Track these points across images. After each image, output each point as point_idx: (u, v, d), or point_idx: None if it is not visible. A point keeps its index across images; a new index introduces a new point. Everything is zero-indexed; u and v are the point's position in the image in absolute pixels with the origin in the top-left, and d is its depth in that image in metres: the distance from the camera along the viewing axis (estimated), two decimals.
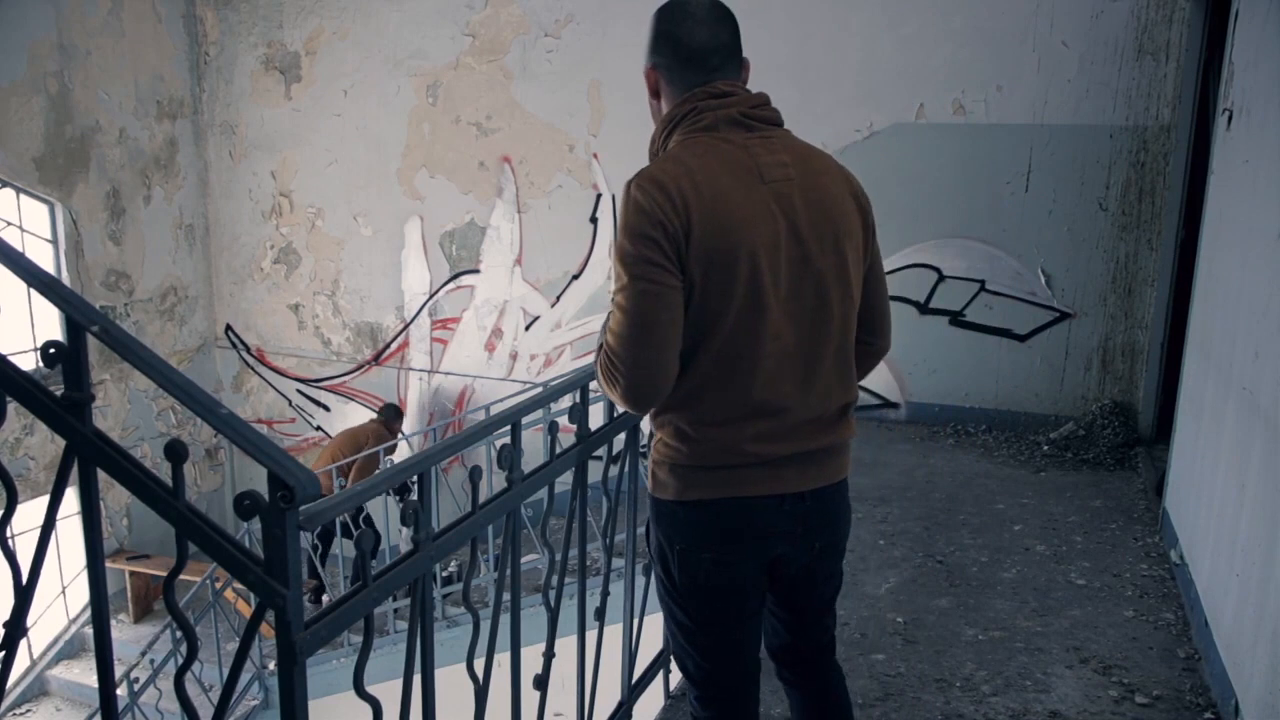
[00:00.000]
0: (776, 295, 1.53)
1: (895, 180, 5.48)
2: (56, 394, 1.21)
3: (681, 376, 1.55)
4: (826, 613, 1.85)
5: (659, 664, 2.63)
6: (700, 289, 1.50)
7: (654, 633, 2.59)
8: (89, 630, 6.47)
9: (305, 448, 7.55)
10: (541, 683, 1.98)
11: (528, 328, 6.75)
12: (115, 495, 6.65)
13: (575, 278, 6.55)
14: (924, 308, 5.58)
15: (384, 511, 5.07)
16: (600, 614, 2.25)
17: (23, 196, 6.33)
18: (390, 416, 6.68)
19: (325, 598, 6.12)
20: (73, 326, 1.19)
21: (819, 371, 1.59)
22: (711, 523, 1.61)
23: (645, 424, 2.34)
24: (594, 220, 6.41)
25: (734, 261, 1.49)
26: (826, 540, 1.71)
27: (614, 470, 2.29)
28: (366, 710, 1.38)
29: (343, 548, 5.79)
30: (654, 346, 1.50)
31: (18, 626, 1.25)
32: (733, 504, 1.60)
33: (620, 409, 1.57)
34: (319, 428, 7.53)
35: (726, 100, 1.57)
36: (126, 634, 6.56)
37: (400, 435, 6.62)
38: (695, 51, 1.59)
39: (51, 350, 1.19)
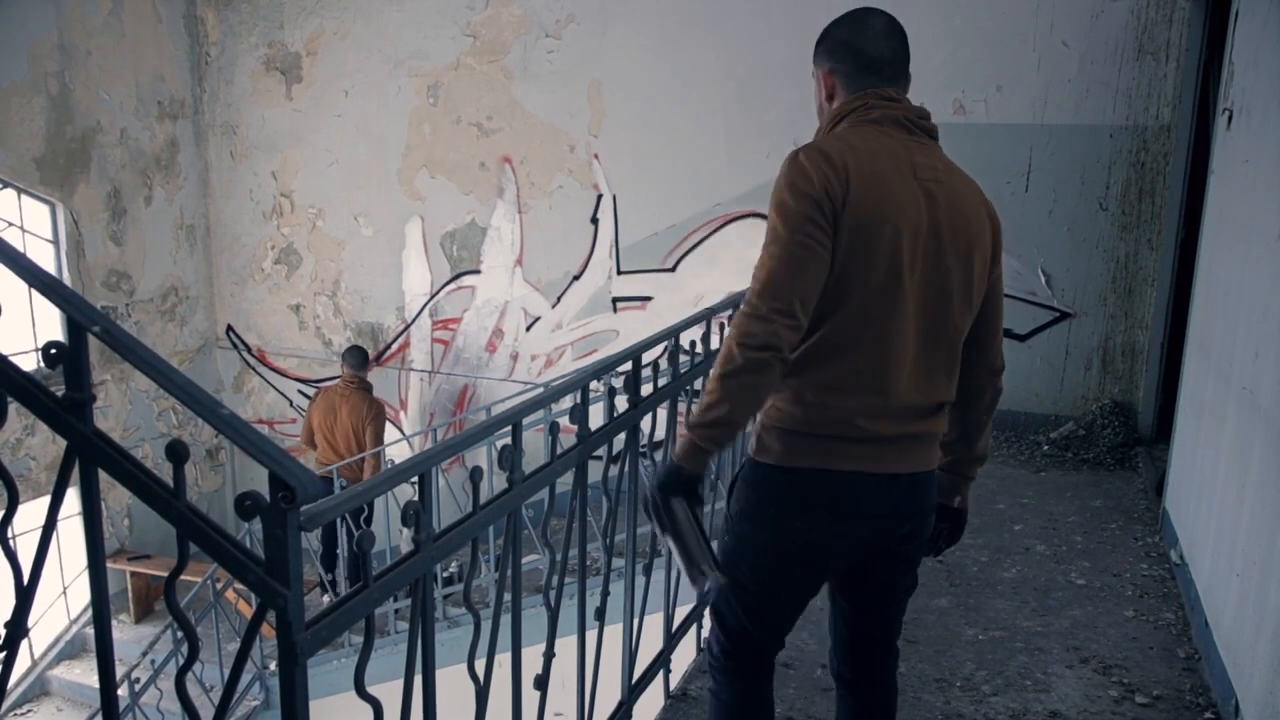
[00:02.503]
0: (911, 277, 1.61)
1: None
2: (57, 394, 1.21)
3: (809, 339, 1.61)
4: (897, 610, 1.89)
5: (659, 664, 2.63)
6: (846, 253, 1.57)
7: (654, 633, 2.60)
8: (90, 630, 6.47)
9: (306, 448, 7.54)
10: (542, 683, 1.98)
11: (528, 328, 6.75)
12: (116, 495, 6.66)
13: (576, 278, 6.55)
14: None
15: (384, 511, 5.07)
16: (600, 614, 2.25)
17: (23, 197, 6.33)
18: (357, 364, 6.16)
19: (326, 598, 6.12)
20: (74, 327, 1.19)
21: (930, 363, 1.67)
22: (811, 493, 1.66)
23: (645, 425, 2.36)
24: (595, 220, 6.41)
25: (880, 235, 1.58)
26: (915, 525, 1.76)
27: (614, 470, 2.29)
28: (367, 710, 1.38)
29: (344, 548, 5.79)
30: (797, 295, 1.55)
31: (19, 627, 1.26)
32: (835, 477, 1.65)
33: (747, 357, 1.53)
34: None
35: (894, 104, 1.69)
36: (127, 634, 6.56)
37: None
38: (874, 61, 1.70)
39: (52, 350, 1.19)
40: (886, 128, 1.67)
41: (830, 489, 1.65)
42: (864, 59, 1.70)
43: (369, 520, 5.04)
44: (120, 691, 4.52)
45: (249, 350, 7.67)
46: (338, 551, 5.89)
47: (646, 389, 2.31)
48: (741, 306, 1.60)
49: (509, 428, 1.80)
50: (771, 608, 1.78)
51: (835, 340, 1.61)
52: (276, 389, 7.63)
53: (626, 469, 2.30)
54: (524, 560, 2.31)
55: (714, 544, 1.69)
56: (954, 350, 1.71)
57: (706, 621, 2.97)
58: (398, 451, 6.66)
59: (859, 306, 1.59)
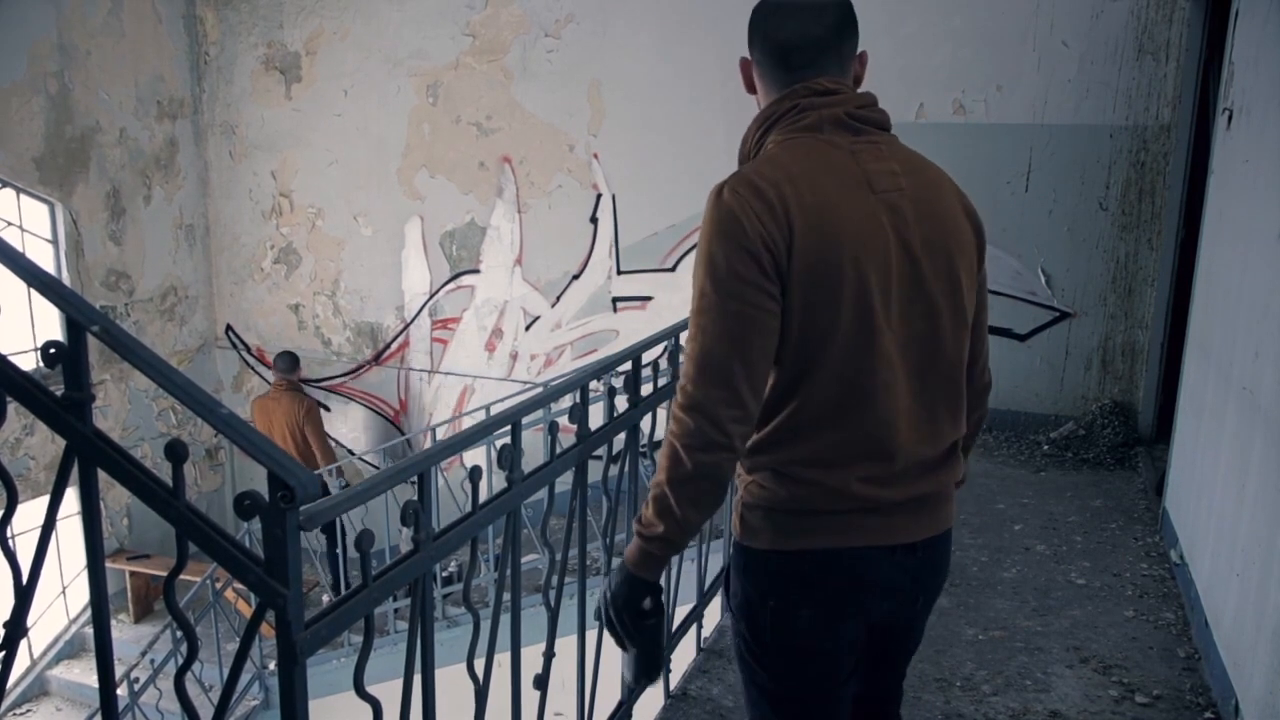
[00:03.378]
0: (887, 319, 1.36)
1: None
2: (57, 394, 1.21)
3: (781, 412, 1.39)
4: (904, 667, 1.72)
5: None
6: (802, 311, 1.33)
7: None
8: (89, 630, 6.46)
9: None
10: (541, 683, 1.98)
11: (528, 328, 6.75)
12: (115, 495, 6.65)
13: (575, 278, 6.55)
14: None
15: (385, 510, 5.06)
16: (600, 614, 2.25)
17: (23, 196, 6.32)
18: (285, 368, 6.35)
19: (326, 598, 6.12)
20: (73, 326, 1.19)
21: (930, 405, 1.42)
22: (812, 576, 1.43)
23: (645, 424, 2.36)
24: (594, 220, 6.41)
25: (840, 279, 1.32)
26: (931, 595, 1.56)
27: (614, 470, 2.29)
28: (366, 710, 1.38)
29: (344, 547, 5.79)
30: (741, 377, 1.31)
31: (18, 626, 1.25)
32: (838, 555, 1.42)
33: (701, 460, 1.33)
34: None
35: (831, 99, 1.42)
36: (127, 634, 6.55)
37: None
38: (787, 45, 1.43)
39: (51, 350, 1.19)
40: (826, 134, 1.40)
41: (833, 570, 1.42)
42: (774, 43, 1.44)
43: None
44: (119, 691, 4.52)
45: (248, 350, 7.67)
46: (336, 551, 5.89)
47: (646, 389, 2.31)
48: (677, 393, 1.36)
49: (508, 427, 1.80)
50: (808, 711, 1.53)
51: (813, 407, 1.37)
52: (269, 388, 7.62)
53: (626, 469, 2.30)
54: (523, 560, 2.31)
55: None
56: (955, 380, 1.46)
57: (707, 621, 2.97)
58: (397, 451, 6.66)
59: (832, 368, 1.35)
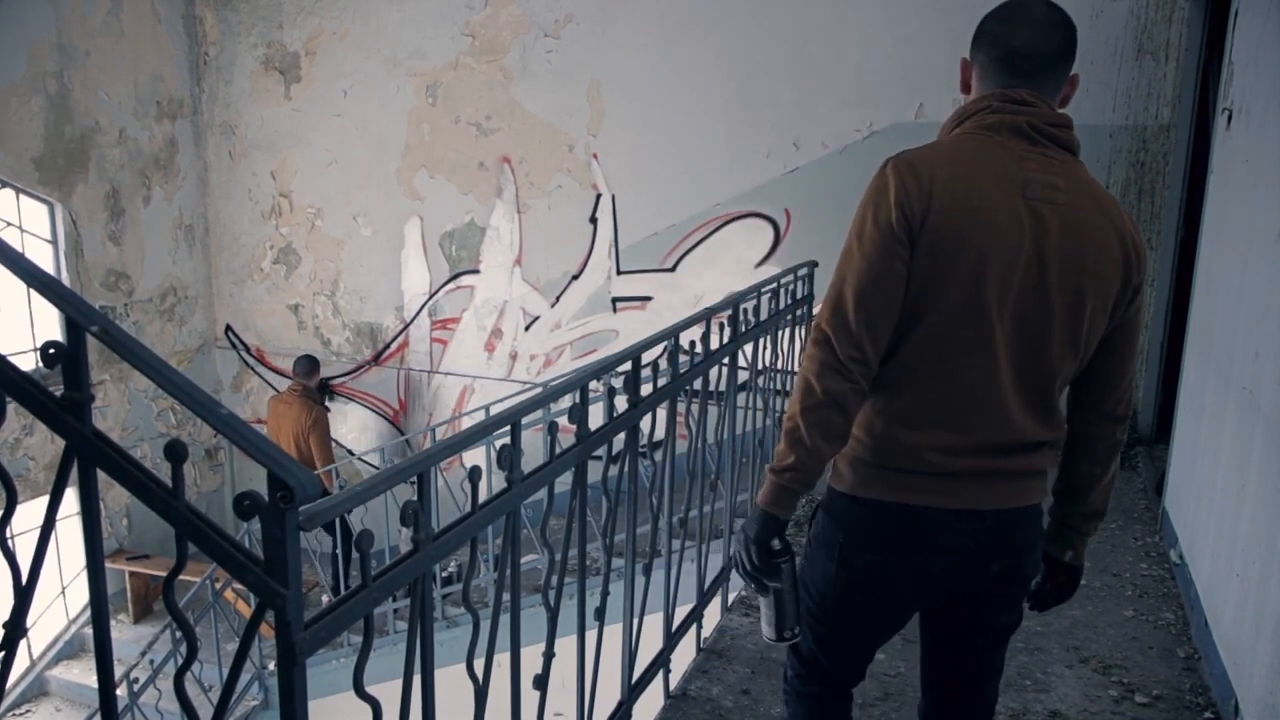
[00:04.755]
0: (1000, 309, 1.46)
1: None
2: (56, 394, 1.21)
3: (885, 365, 1.51)
4: (992, 651, 1.72)
5: (659, 664, 2.63)
6: (922, 275, 1.45)
7: (654, 632, 2.59)
8: (89, 630, 6.47)
9: None
10: (541, 683, 1.98)
11: (527, 328, 6.75)
12: (115, 495, 6.65)
13: (575, 278, 6.55)
14: None
15: (384, 511, 5.06)
16: (600, 614, 2.25)
17: (22, 196, 6.32)
18: (303, 372, 6.36)
19: (326, 598, 6.12)
20: (72, 326, 1.19)
21: (1020, 401, 1.51)
22: (877, 525, 1.57)
23: (644, 425, 2.35)
24: (594, 220, 6.41)
25: (961, 258, 1.44)
26: (1008, 564, 1.60)
27: (614, 470, 2.29)
28: (366, 710, 1.38)
29: (343, 547, 5.79)
30: (865, 325, 1.46)
31: (17, 627, 1.25)
32: (904, 510, 1.54)
33: (828, 387, 1.47)
34: None
35: (1021, 109, 1.49)
36: (126, 634, 6.55)
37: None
38: (1012, 54, 1.50)
39: (51, 350, 1.19)
40: (1003, 136, 1.48)
41: (898, 522, 1.55)
42: (1001, 51, 1.51)
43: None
44: (119, 691, 4.51)
45: (248, 350, 7.67)
46: (336, 552, 5.89)
47: (646, 389, 2.31)
48: (813, 332, 1.52)
49: (508, 427, 1.80)
50: (840, 638, 1.70)
51: (907, 365, 1.50)
52: (275, 389, 7.61)
53: (626, 469, 2.30)
54: (523, 560, 2.31)
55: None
56: (1049, 392, 1.52)
57: (707, 622, 2.97)
58: (396, 451, 6.66)
59: (931, 333, 1.47)
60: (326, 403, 6.92)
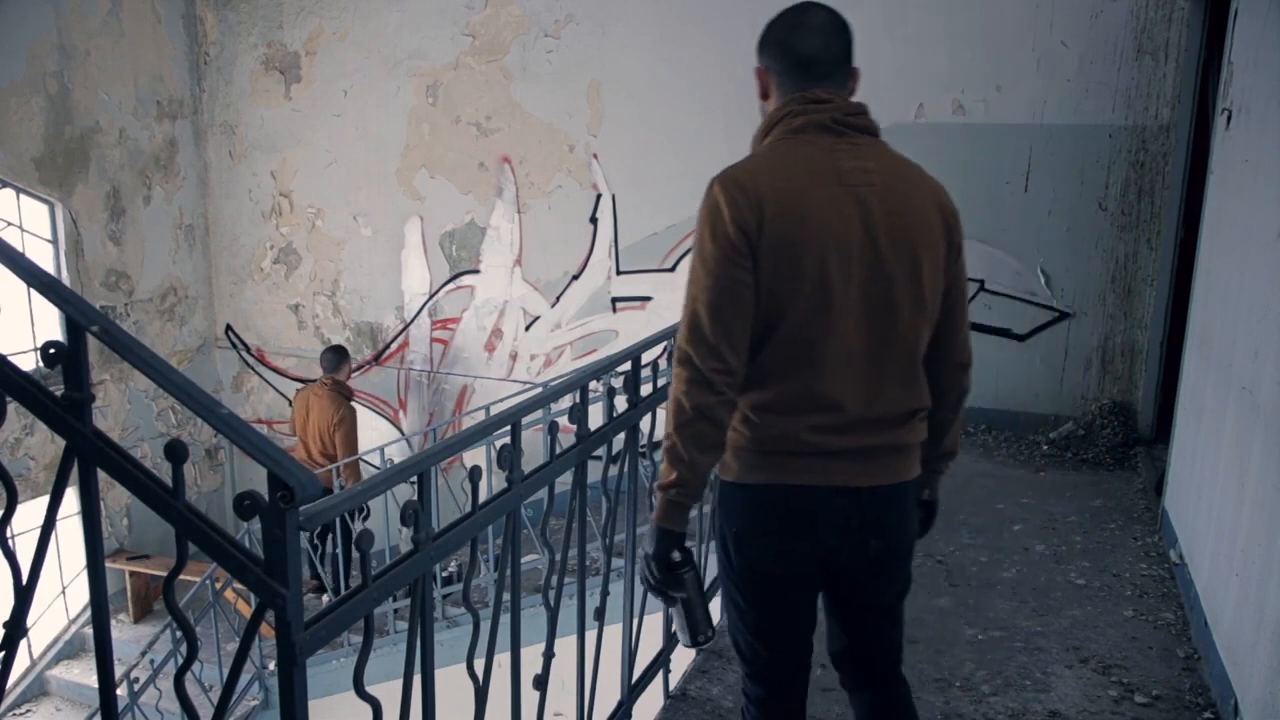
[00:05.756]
0: (845, 294, 1.57)
1: None
2: (56, 394, 1.21)
3: (750, 363, 1.60)
4: (887, 620, 1.82)
5: (659, 664, 2.63)
6: (769, 280, 1.56)
7: (654, 632, 2.60)
8: (89, 630, 6.46)
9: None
10: (541, 683, 1.98)
11: (528, 328, 6.75)
12: (115, 495, 6.65)
13: (575, 278, 6.55)
14: None
15: (384, 510, 5.06)
16: (600, 614, 2.25)
17: (23, 196, 6.32)
18: (329, 366, 6.26)
19: (326, 597, 6.12)
20: (73, 326, 1.19)
21: (883, 374, 1.62)
22: (766, 507, 1.66)
23: (644, 424, 2.35)
24: (594, 220, 6.41)
25: (802, 256, 1.55)
26: (887, 542, 1.70)
27: (614, 470, 2.29)
28: (366, 710, 1.38)
29: (342, 546, 5.78)
30: (723, 339, 1.55)
31: (18, 626, 1.25)
32: (786, 491, 1.64)
33: (695, 403, 1.57)
34: None
35: (822, 106, 1.63)
36: (126, 634, 6.55)
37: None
38: (805, 59, 1.65)
39: (51, 350, 1.19)
40: (811, 135, 1.62)
41: (782, 503, 1.64)
42: (794, 56, 1.66)
43: (365, 518, 5.04)
44: (119, 691, 4.51)
45: (248, 350, 7.67)
46: (336, 552, 5.89)
47: (646, 389, 2.31)
48: (675, 351, 1.62)
49: (508, 427, 1.80)
50: (770, 628, 1.76)
51: (770, 365, 1.60)
52: (275, 389, 7.62)
53: (626, 469, 2.30)
54: (523, 560, 2.31)
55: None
56: (912, 355, 1.65)
57: None
58: (397, 451, 6.65)
59: (791, 331, 1.58)
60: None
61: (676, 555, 1.68)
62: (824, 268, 1.55)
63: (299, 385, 7.07)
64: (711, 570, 2.35)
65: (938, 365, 1.71)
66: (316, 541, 5.91)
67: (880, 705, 1.85)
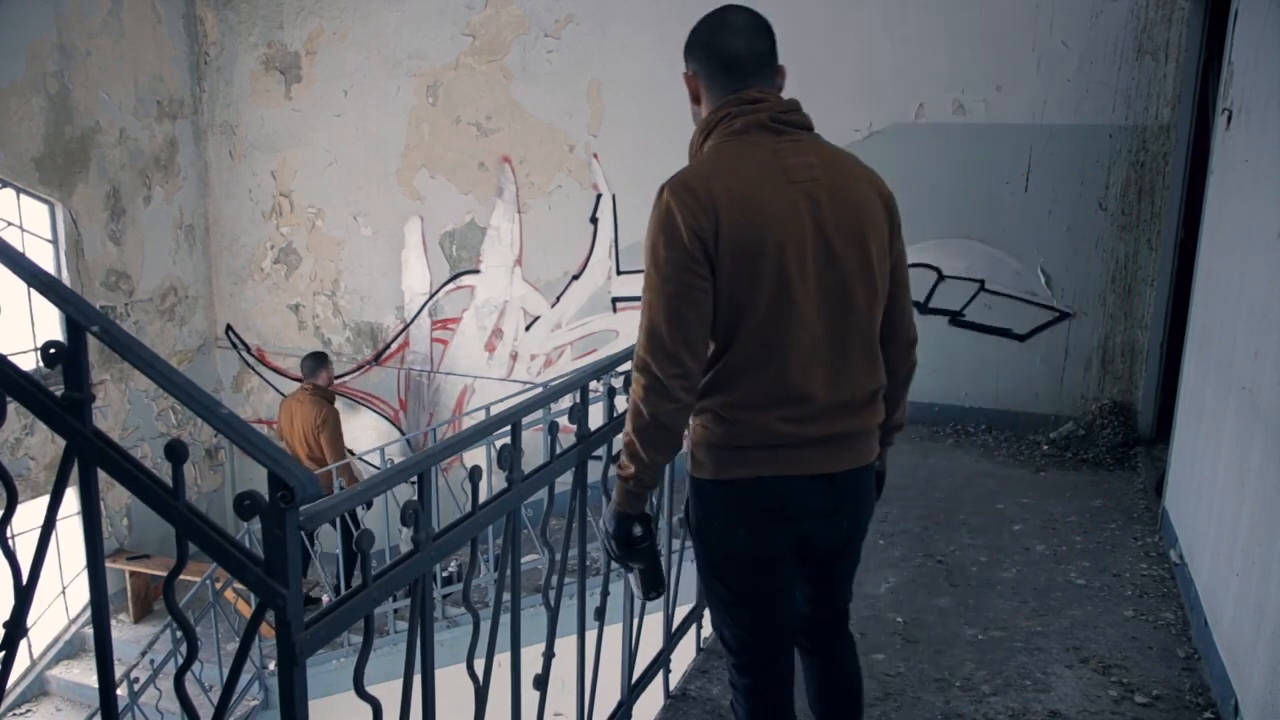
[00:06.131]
0: (804, 288, 1.62)
1: (895, 180, 5.36)
2: (56, 394, 1.21)
3: (716, 364, 1.66)
4: (846, 586, 1.96)
5: (659, 664, 2.63)
6: (730, 282, 1.60)
7: (654, 633, 2.60)
8: (89, 630, 6.46)
9: None
10: (541, 683, 1.98)
11: (528, 328, 6.75)
12: (115, 495, 6.65)
13: (575, 278, 6.55)
14: (924, 308, 5.57)
15: (384, 511, 5.06)
16: (600, 614, 2.25)
17: (23, 196, 6.32)
18: (308, 371, 6.32)
19: (326, 597, 6.12)
20: (73, 326, 1.19)
21: (845, 359, 1.69)
22: (746, 500, 1.71)
23: None
24: (594, 220, 6.41)
25: (761, 256, 1.59)
26: (854, 520, 1.83)
27: (614, 470, 2.29)
28: (366, 710, 1.38)
29: (342, 548, 5.78)
30: (681, 345, 1.60)
31: (18, 626, 1.25)
32: (766, 483, 1.69)
33: (653, 410, 1.64)
34: None
35: (758, 106, 1.67)
36: (126, 634, 6.55)
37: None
38: (730, 60, 1.70)
39: (51, 350, 1.19)
40: (753, 136, 1.66)
41: (763, 495, 1.70)
42: (720, 57, 1.70)
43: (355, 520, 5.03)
44: (119, 691, 4.52)
45: (248, 350, 7.67)
46: (336, 552, 5.89)
47: None
48: (634, 359, 1.66)
49: (508, 427, 1.80)
50: (755, 612, 1.82)
51: (737, 364, 1.65)
52: (276, 389, 7.62)
53: None
54: (523, 560, 2.31)
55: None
56: (869, 338, 1.73)
57: (706, 621, 2.97)
58: (396, 451, 6.66)
59: (754, 329, 1.62)
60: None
61: (638, 530, 1.80)
62: (782, 265, 1.60)
63: (273, 394, 7.08)
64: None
65: (888, 345, 1.79)
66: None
67: (833, 661, 1.98)
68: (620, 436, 1.76)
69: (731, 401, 1.66)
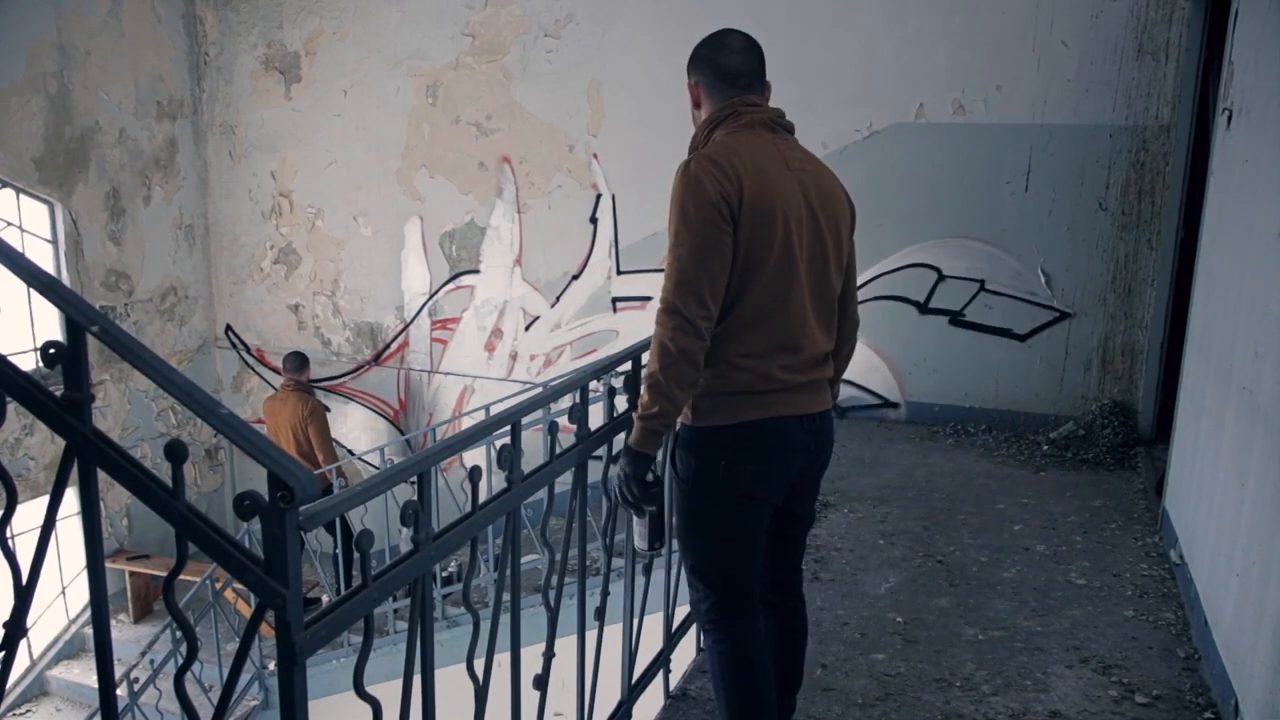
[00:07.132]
0: (801, 253, 1.94)
1: (895, 180, 5.48)
2: (56, 394, 1.21)
3: (727, 317, 1.91)
4: (805, 528, 2.24)
5: (659, 664, 2.63)
6: (748, 242, 1.87)
7: (654, 633, 2.60)
8: (89, 630, 6.46)
9: None
10: (541, 683, 1.98)
11: (527, 328, 6.75)
12: (115, 495, 6.65)
13: (575, 278, 6.55)
14: (924, 307, 5.58)
15: (384, 511, 5.06)
16: (600, 614, 2.25)
17: (23, 196, 6.32)
18: (293, 368, 6.40)
19: (326, 597, 6.12)
20: (72, 326, 1.19)
21: (820, 320, 2.01)
22: (753, 439, 1.95)
23: None
24: (594, 220, 6.41)
25: (773, 222, 1.89)
26: (824, 459, 2.14)
27: (614, 470, 2.29)
28: (366, 710, 1.38)
29: (340, 548, 5.78)
30: (707, 288, 1.84)
31: (18, 626, 1.25)
32: (770, 423, 1.96)
33: (681, 346, 1.83)
34: None
35: (758, 109, 2.02)
36: (126, 634, 6.55)
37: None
38: (731, 73, 2.03)
39: (51, 350, 1.19)
40: (756, 130, 1.98)
41: (767, 433, 1.96)
42: (722, 71, 2.02)
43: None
44: (119, 691, 4.52)
45: (248, 350, 7.67)
46: (336, 552, 5.89)
47: None
48: (660, 304, 1.87)
49: (508, 427, 1.80)
50: (743, 546, 2.03)
51: (749, 315, 1.91)
52: (275, 389, 7.62)
53: None
54: (523, 560, 2.32)
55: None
56: (833, 307, 2.06)
57: None
58: (396, 451, 6.66)
59: (765, 284, 1.90)
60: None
61: (651, 475, 1.98)
62: (787, 232, 1.90)
63: (268, 396, 7.09)
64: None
65: (842, 319, 2.12)
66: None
67: (787, 615, 2.22)
68: (644, 376, 1.95)
69: (742, 350, 1.91)
